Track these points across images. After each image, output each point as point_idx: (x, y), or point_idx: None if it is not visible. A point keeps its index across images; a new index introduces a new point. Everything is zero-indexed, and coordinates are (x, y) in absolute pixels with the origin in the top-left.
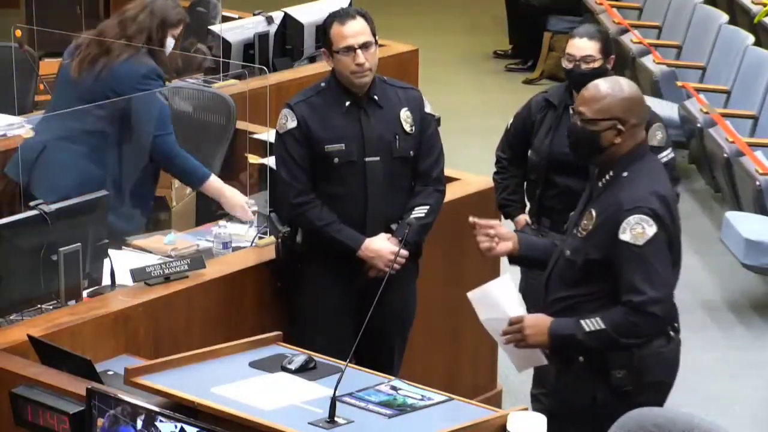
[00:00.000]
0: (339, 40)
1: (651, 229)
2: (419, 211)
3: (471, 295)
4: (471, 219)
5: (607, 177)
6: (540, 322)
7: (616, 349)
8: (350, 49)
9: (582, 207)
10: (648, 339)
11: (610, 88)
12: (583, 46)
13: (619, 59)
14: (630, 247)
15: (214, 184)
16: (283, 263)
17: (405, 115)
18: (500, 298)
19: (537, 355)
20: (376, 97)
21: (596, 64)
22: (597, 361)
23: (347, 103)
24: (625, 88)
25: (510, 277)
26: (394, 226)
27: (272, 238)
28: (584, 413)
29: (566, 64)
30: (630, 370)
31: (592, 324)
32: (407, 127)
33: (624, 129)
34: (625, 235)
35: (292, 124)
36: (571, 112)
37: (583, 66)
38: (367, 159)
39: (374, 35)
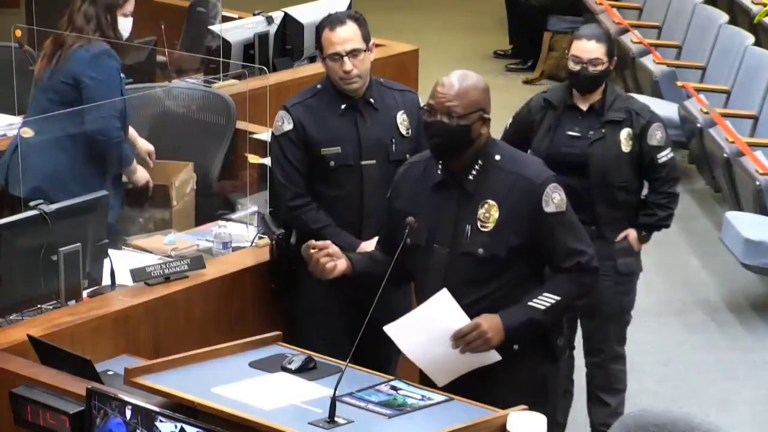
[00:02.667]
0: (328, 46)
1: (562, 193)
2: None
3: (392, 328)
4: (307, 245)
5: (477, 167)
6: (495, 320)
7: (567, 314)
8: (338, 56)
9: (457, 203)
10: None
11: (466, 79)
12: (590, 49)
13: (619, 59)
14: (557, 216)
15: (135, 164)
16: (277, 265)
17: (402, 118)
18: (444, 314)
19: (490, 355)
20: (372, 100)
21: (603, 67)
22: (537, 340)
23: (343, 106)
24: (478, 77)
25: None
26: None
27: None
28: (535, 394)
29: (573, 66)
30: (565, 332)
31: (543, 301)
32: (404, 131)
33: (489, 117)
34: (549, 207)
35: (288, 126)
36: (425, 113)
37: (591, 69)
38: (363, 162)
39: (367, 41)
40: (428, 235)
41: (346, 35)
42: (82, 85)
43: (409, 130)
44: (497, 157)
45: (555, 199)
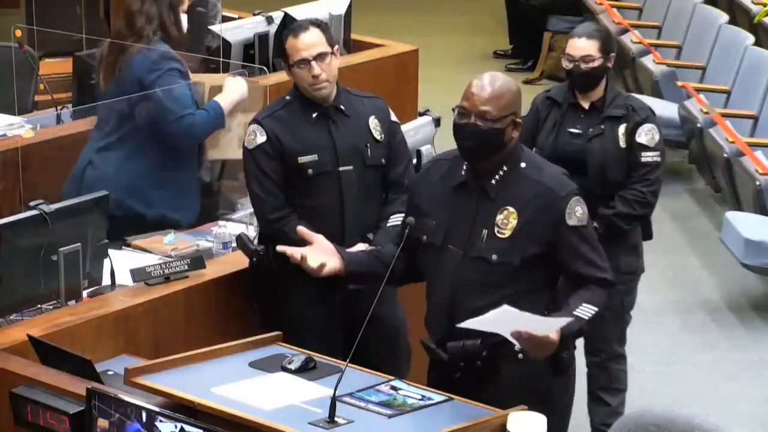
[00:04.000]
0: (293, 54)
1: (584, 206)
2: (395, 220)
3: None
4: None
5: (501, 172)
6: (558, 336)
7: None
8: (305, 62)
9: (476, 206)
10: None
11: (501, 83)
12: (581, 46)
13: (619, 59)
14: (580, 229)
15: (227, 107)
16: (259, 284)
17: (374, 123)
18: (540, 326)
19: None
20: (342, 107)
21: (596, 63)
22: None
23: (314, 114)
24: (510, 80)
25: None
26: (370, 236)
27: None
28: (540, 406)
29: (566, 65)
30: (570, 346)
31: (586, 311)
32: (377, 135)
33: (520, 121)
34: (572, 221)
35: (261, 138)
36: (456, 113)
37: (583, 66)
38: (341, 168)
39: (332, 46)
40: (445, 235)
41: (311, 40)
42: (148, 93)
43: (382, 135)
44: (522, 165)
45: (578, 212)
